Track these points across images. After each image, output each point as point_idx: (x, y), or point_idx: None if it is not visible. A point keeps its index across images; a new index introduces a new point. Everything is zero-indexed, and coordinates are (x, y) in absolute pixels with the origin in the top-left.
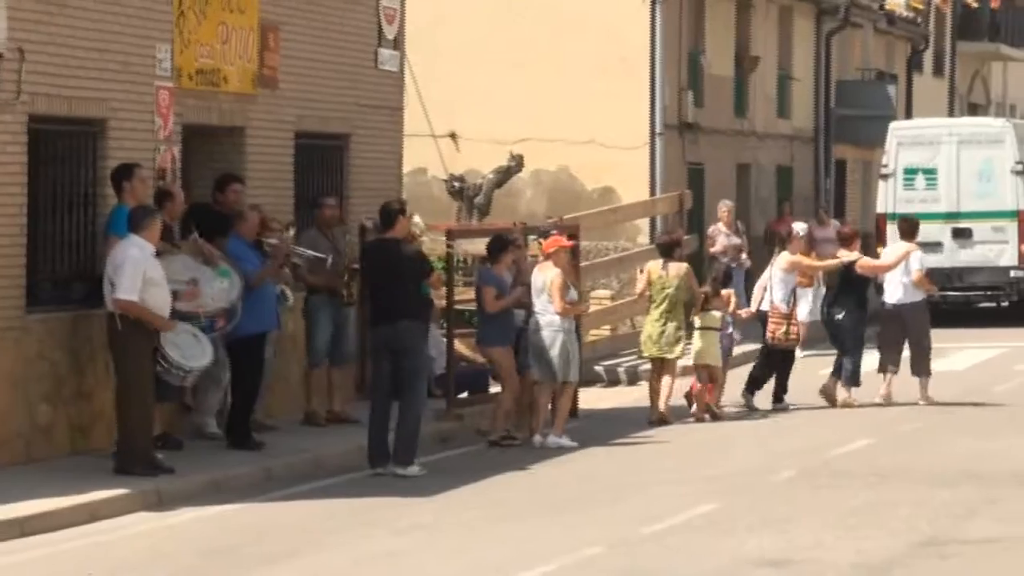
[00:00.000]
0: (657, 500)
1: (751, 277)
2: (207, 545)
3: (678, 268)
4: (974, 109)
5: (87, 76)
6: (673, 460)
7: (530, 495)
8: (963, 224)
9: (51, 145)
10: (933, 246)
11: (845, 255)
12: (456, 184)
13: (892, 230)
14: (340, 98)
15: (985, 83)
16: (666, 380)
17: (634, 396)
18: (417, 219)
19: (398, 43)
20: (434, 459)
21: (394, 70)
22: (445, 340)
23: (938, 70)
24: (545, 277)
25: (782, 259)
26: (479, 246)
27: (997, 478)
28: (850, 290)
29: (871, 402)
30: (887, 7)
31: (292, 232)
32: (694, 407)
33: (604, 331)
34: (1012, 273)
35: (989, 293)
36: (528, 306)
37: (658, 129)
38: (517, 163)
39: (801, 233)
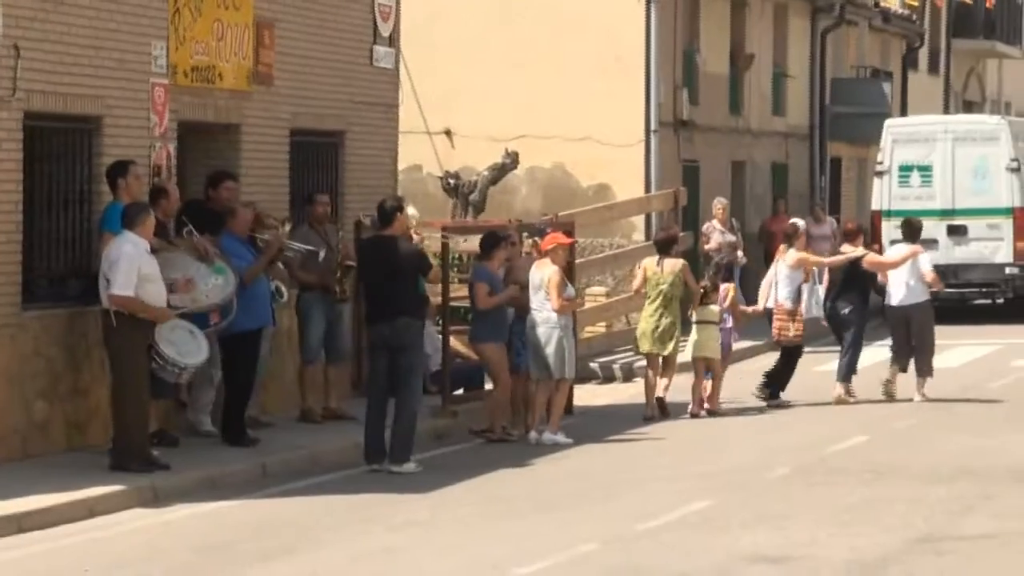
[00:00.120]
0: (652, 497)
1: (747, 274)
2: (203, 542)
3: (673, 264)
4: (969, 106)
5: (82, 73)
6: (668, 457)
7: (526, 492)
8: (958, 221)
9: (47, 142)
10: (928, 243)
11: (849, 250)
12: (451, 181)
13: (887, 227)
14: (335, 95)
15: (980, 80)
16: (663, 379)
17: (629, 393)
18: (412, 210)
19: (393, 40)
20: (430, 456)
21: (389, 67)
22: (440, 337)
23: (933, 67)
24: (543, 274)
25: (789, 256)
26: (474, 243)
27: (993, 474)
28: (854, 285)
29: (876, 398)
30: (882, 4)
31: (288, 227)
32: (690, 404)
33: (599, 328)
34: (1007, 270)
35: (984, 290)
36: (524, 306)
37: (653, 126)
38: (512, 160)
39: (801, 229)
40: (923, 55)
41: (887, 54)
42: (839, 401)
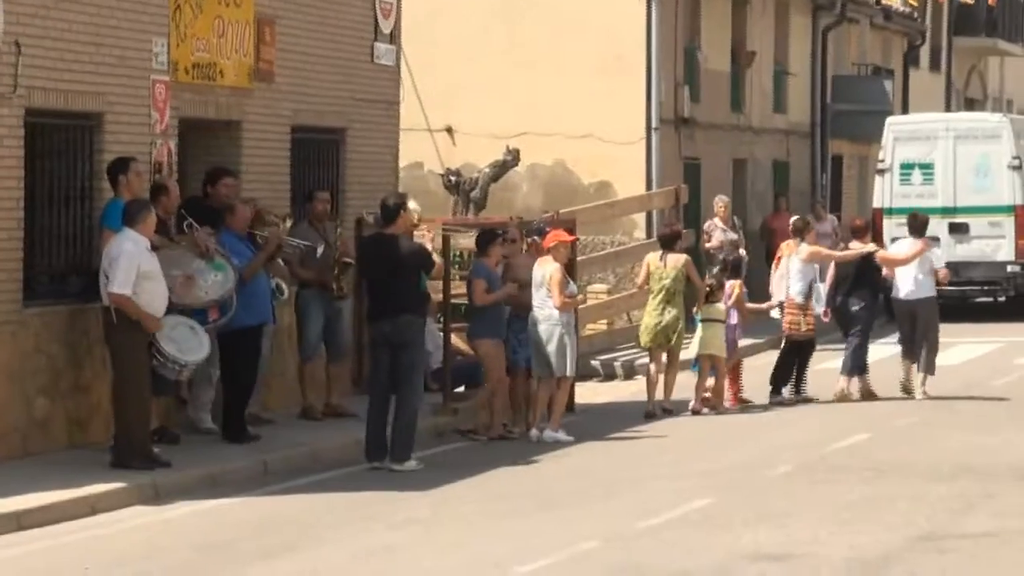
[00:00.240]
0: (653, 495)
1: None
2: (203, 539)
3: (676, 259)
4: (971, 104)
5: (83, 70)
6: (669, 454)
7: (527, 489)
8: (960, 219)
9: (48, 139)
10: (930, 241)
11: (858, 247)
12: (452, 178)
13: (889, 225)
14: (336, 92)
15: (982, 78)
16: (668, 372)
17: (631, 390)
18: (413, 204)
19: (394, 37)
20: (430, 453)
21: (390, 64)
22: (442, 334)
23: (935, 65)
24: (544, 272)
25: (802, 250)
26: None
27: (995, 472)
28: (865, 282)
29: (894, 396)
30: (884, 2)
31: (289, 224)
32: (692, 401)
33: (600, 325)
34: (1009, 268)
35: (986, 288)
36: (522, 304)
37: (654, 124)
38: (513, 157)
39: (812, 223)
40: (924, 53)
41: (888, 52)
42: (841, 397)
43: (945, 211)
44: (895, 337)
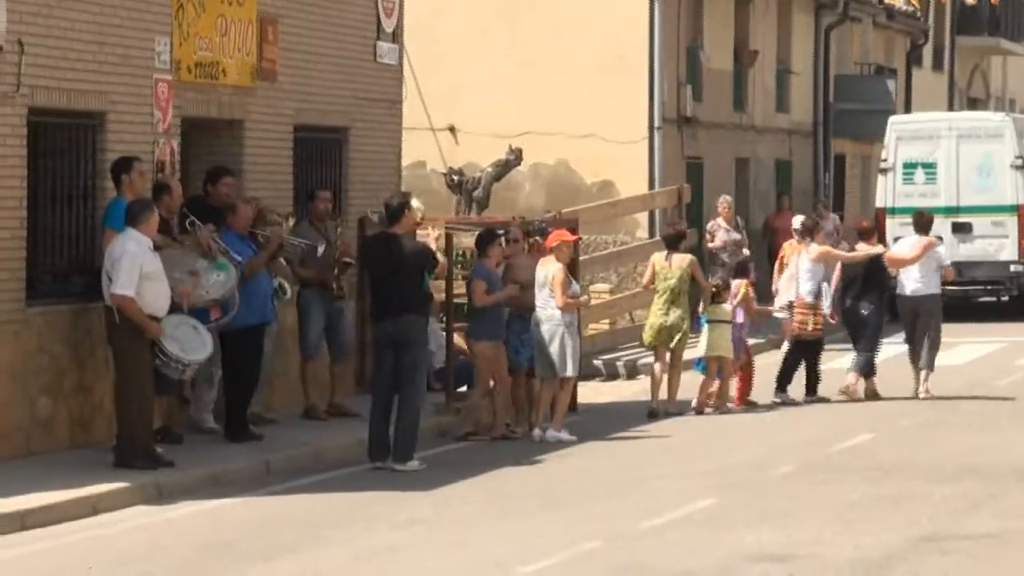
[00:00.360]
0: (656, 495)
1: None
2: (206, 539)
3: (681, 259)
4: (973, 103)
5: (86, 69)
6: (672, 454)
7: (529, 489)
8: (963, 219)
9: (50, 138)
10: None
11: (865, 248)
12: (455, 177)
13: (891, 224)
14: (339, 91)
15: (985, 77)
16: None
17: (633, 390)
18: (416, 203)
19: (397, 36)
20: (433, 453)
21: (393, 63)
22: (444, 334)
23: (937, 64)
24: (547, 271)
25: (812, 249)
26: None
27: (998, 473)
28: (873, 284)
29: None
30: (886, 1)
31: (292, 223)
32: (694, 400)
33: (603, 325)
34: (1012, 268)
35: (989, 288)
36: (523, 305)
37: (657, 123)
38: (516, 157)
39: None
40: (927, 52)
41: (891, 51)
42: (847, 391)
43: (948, 211)
44: (900, 337)
